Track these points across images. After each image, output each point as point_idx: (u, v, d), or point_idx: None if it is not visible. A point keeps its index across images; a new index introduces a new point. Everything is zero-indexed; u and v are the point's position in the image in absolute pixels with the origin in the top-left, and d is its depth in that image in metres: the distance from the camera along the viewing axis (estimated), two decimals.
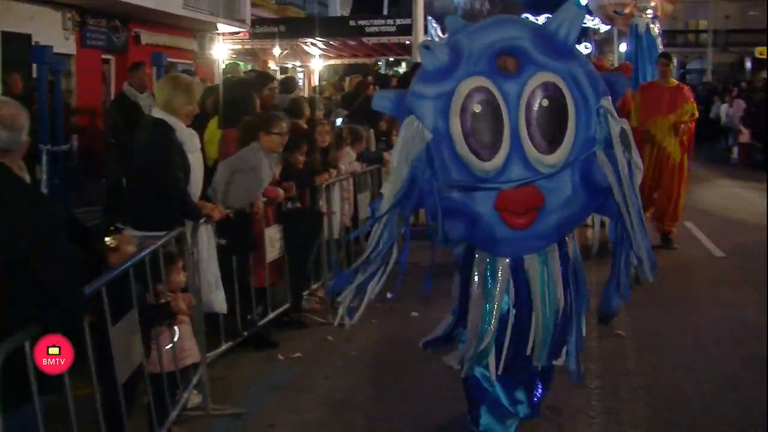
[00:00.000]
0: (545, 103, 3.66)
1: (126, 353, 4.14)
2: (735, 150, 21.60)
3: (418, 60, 17.26)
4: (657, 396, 5.44)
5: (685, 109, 9.94)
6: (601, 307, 4.46)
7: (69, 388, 3.30)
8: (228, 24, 21.08)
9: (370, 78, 13.58)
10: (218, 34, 21.45)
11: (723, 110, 23.36)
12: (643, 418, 5.13)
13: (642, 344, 6.49)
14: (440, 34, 25.41)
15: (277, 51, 23.42)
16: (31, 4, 14.74)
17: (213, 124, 7.07)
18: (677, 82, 10.93)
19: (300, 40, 23.56)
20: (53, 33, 15.15)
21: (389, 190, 3.95)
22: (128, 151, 6.30)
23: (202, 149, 6.14)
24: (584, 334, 4.39)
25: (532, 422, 4.71)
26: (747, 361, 6.08)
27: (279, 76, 15.39)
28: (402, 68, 31.24)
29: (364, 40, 23.28)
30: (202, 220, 5.45)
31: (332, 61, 27.05)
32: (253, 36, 23.02)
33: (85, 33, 16.46)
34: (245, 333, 6.24)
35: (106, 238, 4.44)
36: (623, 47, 27.39)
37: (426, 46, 3.80)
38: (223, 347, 5.96)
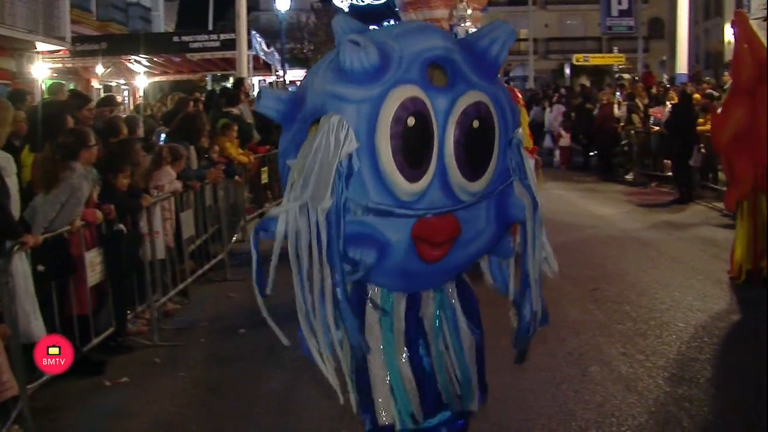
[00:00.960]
0: (476, 124, 3.22)
1: None
2: (557, 153, 22.46)
3: (243, 75, 17.10)
4: None
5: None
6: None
7: None
8: (47, 42, 20.33)
9: (197, 94, 13.47)
10: (37, 52, 20.59)
11: (546, 115, 24.03)
12: None
13: None
14: (265, 49, 25.48)
15: (100, 69, 22.84)
16: None
17: (27, 147, 6.86)
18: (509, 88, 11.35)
19: (123, 57, 23.09)
20: None
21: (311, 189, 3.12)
22: None
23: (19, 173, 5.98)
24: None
25: None
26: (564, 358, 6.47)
27: (102, 95, 15.02)
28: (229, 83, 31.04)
29: (188, 56, 23.09)
30: (16, 248, 5.29)
31: (157, 78, 26.61)
32: (75, 54, 22.30)
33: None
34: None
35: None
36: None
37: (354, 41, 3.11)
38: (45, 377, 5.78)
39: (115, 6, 30.35)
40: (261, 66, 26.31)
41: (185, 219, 8.36)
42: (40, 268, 5.80)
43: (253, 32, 23.37)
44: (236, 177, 10.71)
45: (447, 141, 3.18)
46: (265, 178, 13.15)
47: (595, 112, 20.61)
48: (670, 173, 15.77)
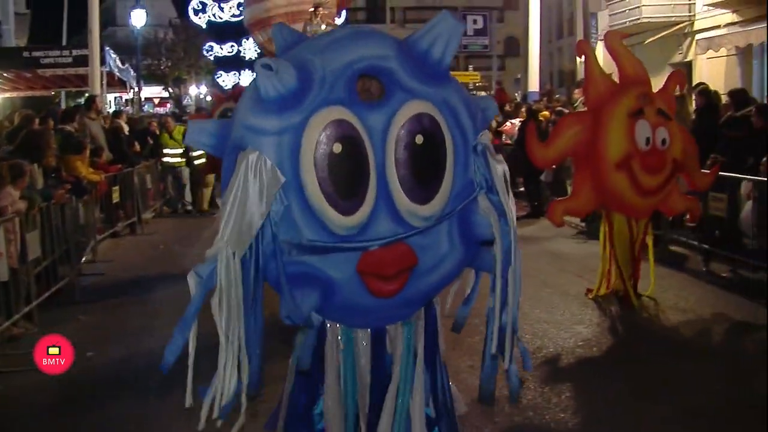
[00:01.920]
0: (419, 140, 2.86)
1: None
2: None
3: (96, 92, 16.76)
4: None
5: None
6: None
7: None
8: None
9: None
10: None
11: None
12: None
13: None
14: (119, 65, 24.87)
15: None
16: None
17: None
18: None
19: None
20: None
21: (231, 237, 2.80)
22: None
23: None
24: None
25: None
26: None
27: None
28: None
29: (40, 71, 22.31)
30: None
31: (8, 94, 25.56)
32: None
33: None
34: None
35: None
36: None
37: (266, 65, 2.76)
38: None
39: None
40: (116, 83, 25.68)
41: (30, 240, 8.06)
42: None
43: (107, 48, 22.81)
44: (85, 196, 10.42)
45: (388, 163, 2.84)
46: (116, 197, 12.91)
47: None
48: (522, 188, 16.23)
